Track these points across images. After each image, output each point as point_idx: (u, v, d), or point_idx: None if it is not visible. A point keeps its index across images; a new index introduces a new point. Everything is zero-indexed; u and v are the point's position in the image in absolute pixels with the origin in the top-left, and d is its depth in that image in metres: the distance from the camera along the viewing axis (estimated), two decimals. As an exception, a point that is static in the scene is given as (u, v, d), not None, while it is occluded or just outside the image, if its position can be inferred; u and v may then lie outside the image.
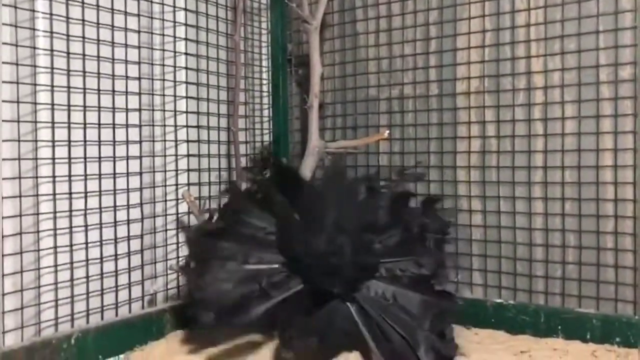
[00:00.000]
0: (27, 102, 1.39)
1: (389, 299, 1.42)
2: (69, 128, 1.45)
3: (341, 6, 1.96)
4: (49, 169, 1.42)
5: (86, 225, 1.48)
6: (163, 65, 1.71)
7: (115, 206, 1.55)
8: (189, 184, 1.75)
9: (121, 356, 1.50)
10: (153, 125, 1.68)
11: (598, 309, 1.56)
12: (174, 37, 1.73)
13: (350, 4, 1.94)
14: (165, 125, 1.72)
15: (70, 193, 1.46)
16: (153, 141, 1.69)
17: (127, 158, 1.59)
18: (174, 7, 1.72)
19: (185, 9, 1.75)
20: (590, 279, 1.57)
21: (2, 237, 1.33)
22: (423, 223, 1.51)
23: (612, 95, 1.54)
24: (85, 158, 1.49)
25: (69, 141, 1.45)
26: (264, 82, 2.07)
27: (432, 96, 1.80)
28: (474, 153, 1.73)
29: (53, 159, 1.43)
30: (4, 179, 1.34)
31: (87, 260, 1.49)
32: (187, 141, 1.76)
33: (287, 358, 1.41)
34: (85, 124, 1.48)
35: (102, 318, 1.52)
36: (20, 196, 1.37)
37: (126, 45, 1.58)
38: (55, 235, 1.43)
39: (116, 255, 1.56)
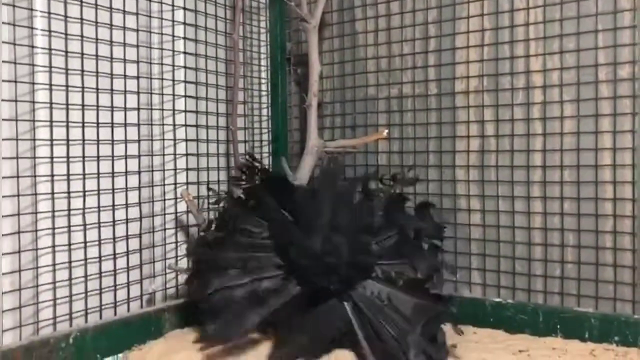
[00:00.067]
0: (25, 100, 1.39)
1: (384, 300, 1.42)
2: (67, 127, 1.45)
3: (340, 5, 1.96)
4: (47, 167, 1.42)
5: (85, 224, 1.48)
6: (162, 64, 1.71)
7: (113, 205, 1.55)
8: (187, 183, 1.75)
9: (120, 355, 1.50)
10: (152, 125, 1.68)
11: (597, 308, 1.56)
12: (173, 35, 1.73)
13: (349, 3, 1.94)
14: (163, 124, 1.72)
15: (69, 192, 1.45)
16: (152, 140, 1.68)
17: (126, 157, 1.58)
18: (173, 5, 1.72)
19: (184, 8, 1.75)
20: (589, 278, 1.57)
21: (1, 235, 1.33)
22: (418, 227, 1.53)
23: (611, 95, 1.54)
24: (83, 157, 1.48)
25: (67, 140, 1.45)
26: (263, 81, 2.07)
27: (431, 95, 1.80)
28: (472, 152, 1.73)
29: (51, 157, 1.42)
30: (3, 177, 1.33)
31: (85, 259, 1.49)
32: (186, 140, 1.76)
33: (281, 355, 1.42)
34: (83, 122, 1.48)
35: (100, 317, 1.52)
36: (18, 195, 1.37)
37: (125, 44, 1.58)
38: (53, 234, 1.43)
39: (115, 254, 1.56)
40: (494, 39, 1.69)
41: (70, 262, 1.46)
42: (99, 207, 1.52)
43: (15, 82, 1.36)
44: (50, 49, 1.42)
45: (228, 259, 1.49)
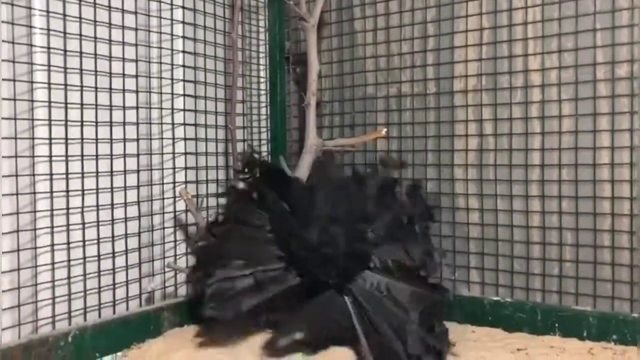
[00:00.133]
0: (24, 99, 1.39)
1: (383, 291, 1.43)
2: (65, 125, 1.45)
3: (339, 4, 1.96)
4: (46, 166, 1.42)
5: (83, 223, 1.48)
6: (161, 62, 1.71)
7: (112, 204, 1.55)
8: (186, 182, 1.75)
9: (119, 354, 1.50)
10: (150, 124, 1.68)
11: (595, 306, 1.56)
12: (172, 34, 1.73)
13: (347, 2, 1.94)
14: (162, 124, 1.72)
15: (68, 191, 1.46)
16: (150, 139, 1.68)
17: (125, 156, 1.58)
18: (172, 4, 1.72)
19: (183, 7, 1.75)
20: (587, 277, 1.58)
21: (1, 234, 1.33)
22: (411, 212, 1.53)
23: (609, 93, 1.55)
24: (82, 156, 1.48)
25: (66, 139, 1.45)
26: (262, 80, 2.07)
27: (430, 94, 1.80)
28: (471, 151, 1.74)
29: (50, 156, 1.42)
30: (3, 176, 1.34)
31: (84, 257, 1.49)
32: (185, 139, 1.76)
33: (279, 347, 1.43)
34: (82, 120, 1.48)
35: (99, 316, 1.52)
36: (17, 194, 1.37)
37: (123, 43, 1.58)
38: (52, 232, 1.43)
39: (114, 253, 1.56)
40: (493, 38, 1.70)
41: (69, 260, 1.46)
42: (97, 205, 1.52)
43: (14, 80, 1.36)
44: (48, 48, 1.42)
45: (231, 250, 1.51)
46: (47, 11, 1.41)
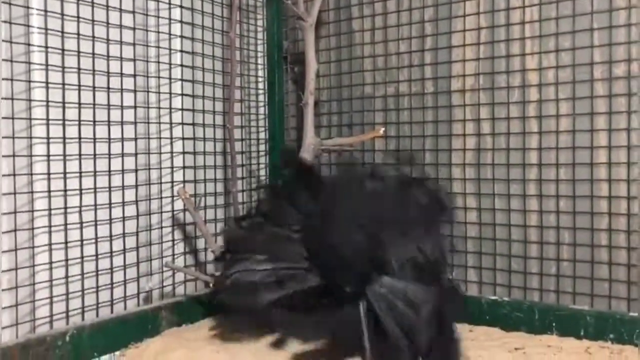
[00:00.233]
0: (22, 98, 1.39)
1: (398, 295, 1.42)
2: (63, 125, 1.45)
3: (337, 3, 1.96)
4: (43, 166, 1.42)
5: (81, 223, 1.48)
6: (158, 62, 1.71)
7: (110, 203, 1.55)
8: (184, 182, 1.75)
9: (117, 353, 1.50)
10: (148, 123, 1.68)
11: (592, 305, 1.56)
12: (169, 34, 1.73)
13: (345, 2, 1.94)
14: (160, 123, 1.72)
15: (65, 190, 1.46)
16: (148, 138, 1.69)
17: (123, 155, 1.59)
18: (169, 4, 1.72)
19: (181, 6, 1.75)
20: (585, 276, 1.58)
21: (1, 233, 1.34)
22: (427, 209, 1.51)
23: (606, 93, 1.55)
24: (80, 155, 1.49)
25: (64, 138, 1.45)
26: (260, 79, 2.07)
27: (428, 94, 1.80)
28: (469, 150, 1.74)
29: (48, 156, 1.42)
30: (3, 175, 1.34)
31: (82, 257, 1.49)
32: (183, 138, 1.76)
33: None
34: (80, 121, 1.48)
35: (97, 315, 1.52)
36: (14, 193, 1.37)
37: (121, 42, 1.58)
38: (50, 232, 1.43)
39: (111, 252, 1.56)
40: (490, 37, 1.70)
41: (66, 259, 1.46)
42: (95, 205, 1.52)
43: (12, 80, 1.36)
44: (46, 47, 1.42)
45: (256, 243, 1.52)
46: (45, 10, 1.41)
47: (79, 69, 1.48)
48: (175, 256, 1.74)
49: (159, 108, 1.71)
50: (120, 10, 1.57)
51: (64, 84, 1.45)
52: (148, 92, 1.68)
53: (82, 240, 1.48)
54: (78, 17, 1.47)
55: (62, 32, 1.45)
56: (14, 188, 1.36)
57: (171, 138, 1.74)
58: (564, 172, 1.60)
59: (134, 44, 1.61)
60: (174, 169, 1.75)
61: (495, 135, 1.70)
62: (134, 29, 1.61)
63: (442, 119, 1.78)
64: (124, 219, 1.58)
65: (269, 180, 2.05)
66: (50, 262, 1.43)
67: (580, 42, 1.57)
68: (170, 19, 1.73)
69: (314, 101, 1.78)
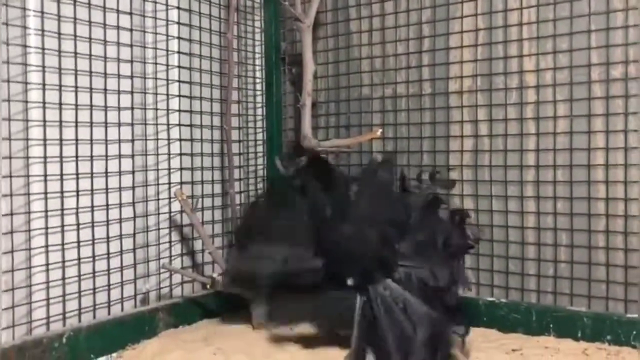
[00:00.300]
0: (19, 100, 1.39)
1: (399, 303, 1.42)
2: (60, 126, 1.45)
3: (334, 5, 1.96)
4: (40, 167, 1.42)
5: (78, 224, 1.48)
6: (156, 63, 1.71)
7: (107, 205, 1.55)
8: (181, 183, 1.75)
9: (113, 355, 1.50)
10: (146, 124, 1.68)
11: (589, 307, 1.56)
12: (167, 35, 1.73)
13: (343, 3, 1.94)
14: (157, 124, 1.71)
15: (62, 192, 1.45)
16: (145, 140, 1.68)
17: (120, 157, 1.58)
18: (167, 5, 1.72)
19: (178, 7, 1.75)
20: (582, 278, 1.58)
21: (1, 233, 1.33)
22: (448, 235, 1.51)
23: (603, 94, 1.55)
24: (77, 157, 1.48)
25: (61, 140, 1.45)
26: (257, 80, 2.07)
27: (425, 95, 1.80)
28: (466, 152, 1.74)
29: (44, 157, 1.42)
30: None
31: (79, 258, 1.48)
32: (180, 140, 1.76)
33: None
34: (77, 122, 1.48)
35: (94, 317, 1.52)
36: (11, 195, 1.36)
37: (119, 44, 1.57)
38: (46, 234, 1.43)
39: (108, 253, 1.55)
40: (488, 38, 1.70)
41: (63, 261, 1.46)
42: (92, 206, 1.51)
43: (8, 81, 1.36)
44: (43, 49, 1.42)
45: (267, 226, 1.58)
46: (42, 12, 1.41)
47: (75, 70, 1.48)
48: (173, 258, 1.74)
49: (157, 109, 1.71)
50: (118, 11, 1.57)
51: (60, 86, 1.45)
52: (145, 93, 1.68)
53: (79, 242, 1.48)
54: (75, 18, 1.47)
55: (59, 33, 1.44)
56: (10, 190, 1.36)
57: (168, 139, 1.74)
58: (562, 174, 1.60)
59: (131, 46, 1.61)
60: (171, 171, 1.74)
61: (492, 137, 1.70)
62: (131, 30, 1.61)
63: (440, 120, 1.78)
64: (121, 220, 1.58)
65: (267, 181, 2.05)
66: (47, 264, 1.43)
67: (577, 44, 1.57)
68: (167, 20, 1.72)
69: (312, 102, 1.78)
